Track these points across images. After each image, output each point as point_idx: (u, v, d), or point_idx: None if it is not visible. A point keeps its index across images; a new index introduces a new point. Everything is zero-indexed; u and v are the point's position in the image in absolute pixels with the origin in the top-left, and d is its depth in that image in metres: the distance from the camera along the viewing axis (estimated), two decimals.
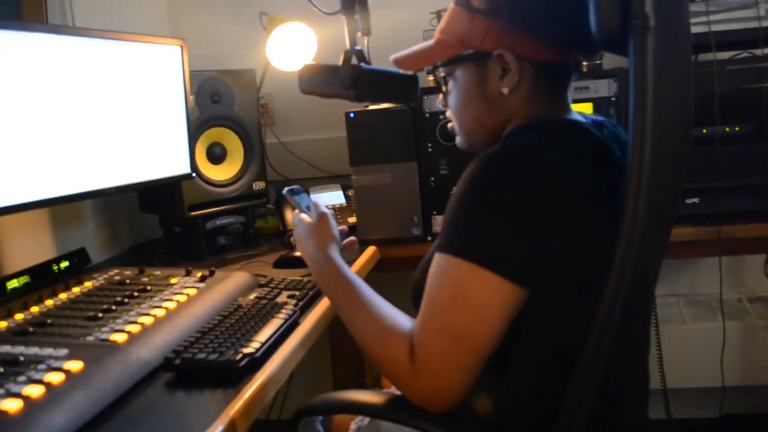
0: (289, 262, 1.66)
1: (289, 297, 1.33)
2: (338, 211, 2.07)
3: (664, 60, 0.81)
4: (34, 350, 1.02)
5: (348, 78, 1.14)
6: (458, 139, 1.14)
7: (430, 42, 1.09)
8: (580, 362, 0.87)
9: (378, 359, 0.99)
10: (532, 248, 0.89)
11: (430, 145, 1.85)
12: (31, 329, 1.11)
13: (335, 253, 1.18)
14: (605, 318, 0.85)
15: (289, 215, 1.93)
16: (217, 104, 1.91)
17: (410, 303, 1.07)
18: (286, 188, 1.30)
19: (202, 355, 1.02)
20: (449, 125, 1.15)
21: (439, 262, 0.94)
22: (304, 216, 1.26)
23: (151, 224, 2.07)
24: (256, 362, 1.04)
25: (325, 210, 1.26)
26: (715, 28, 1.74)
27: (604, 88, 1.78)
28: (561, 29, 0.93)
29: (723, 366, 2.09)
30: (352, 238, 1.29)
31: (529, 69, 1.01)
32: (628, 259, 0.82)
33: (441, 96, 1.14)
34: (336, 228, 1.24)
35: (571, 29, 0.87)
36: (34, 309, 1.23)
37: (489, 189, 0.91)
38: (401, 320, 0.99)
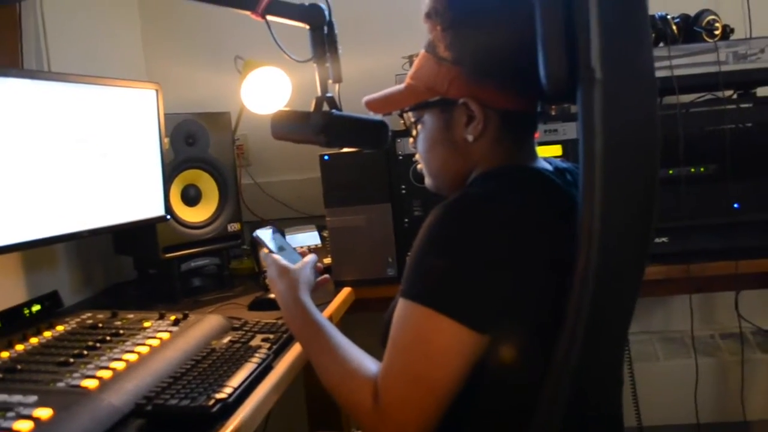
0: (263, 305, 1.66)
1: (263, 340, 1.33)
2: (313, 251, 2.07)
3: (612, 110, 0.84)
4: (3, 397, 1.01)
5: (319, 125, 1.16)
6: (426, 181, 1.16)
7: (401, 86, 1.11)
8: (538, 408, 0.88)
9: (343, 402, 1.00)
10: (489, 294, 0.91)
11: (403, 187, 1.88)
12: (0, 375, 1.10)
13: (305, 296, 1.20)
14: (560, 364, 0.86)
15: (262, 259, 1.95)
16: (192, 146, 1.92)
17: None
18: (257, 231, 1.32)
19: (174, 401, 1.02)
20: (418, 167, 1.17)
21: (401, 307, 0.96)
22: (275, 257, 1.27)
23: (126, 266, 2.06)
24: (229, 407, 1.04)
25: (311, 258, 1.29)
26: (678, 72, 1.80)
27: (572, 130, 1.82)
28: (524, 81, 0.94)
29: (697, 402, 2.11)
30: (326, 276, 1.31)
31: (494, 117, 1.03)
32: (583, 307, 0.84)
33: (411, 139, 1.16)
34: (309, 270, 1.26)
35: (535, 80, 0.89)
36: (4, 354, 1.21)
37: (448, 237, 0.93)
38: (367, 364, 1.01)
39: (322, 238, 2.11)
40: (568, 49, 0.84)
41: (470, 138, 1.04)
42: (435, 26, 1.03)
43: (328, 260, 1.96)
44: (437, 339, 0.91)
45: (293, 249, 1.35)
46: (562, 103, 1.05)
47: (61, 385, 1.07)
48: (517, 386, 0.94)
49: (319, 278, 1.29)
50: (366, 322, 1.94)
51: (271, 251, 1.28)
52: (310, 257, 1.31)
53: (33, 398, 1.00)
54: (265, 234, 1.32)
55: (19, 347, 1.25)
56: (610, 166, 0.84)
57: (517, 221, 0.93)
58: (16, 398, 1.00)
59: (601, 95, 0.82)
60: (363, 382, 0.97)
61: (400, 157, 1.87)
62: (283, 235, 1.34)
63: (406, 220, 1.89)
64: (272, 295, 1.58)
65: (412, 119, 1.13)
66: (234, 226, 2.01)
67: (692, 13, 1.93)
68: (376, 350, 1.04)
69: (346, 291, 1.84)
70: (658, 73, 1.78)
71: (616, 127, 0.86)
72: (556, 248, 0.92)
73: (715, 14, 1.91)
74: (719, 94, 1.87)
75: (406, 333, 0.94)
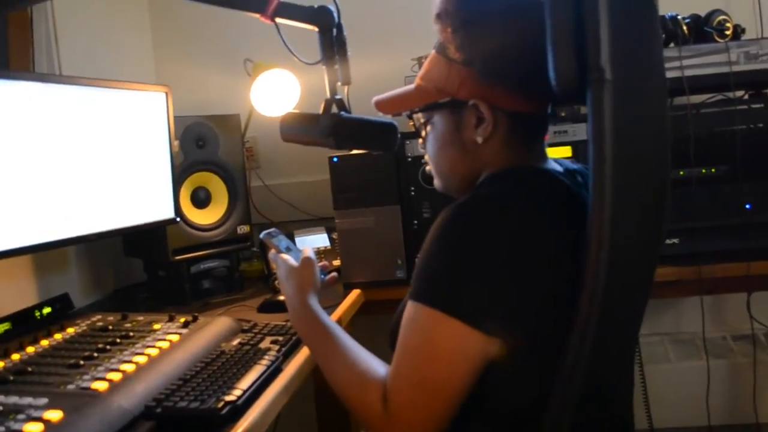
0: (272, 307, 1.67)
1: (272, 342, 1.33)
2: (323, 253, 2.07)
3: (622, 111, 0.83)
4: (13, 399, 1.01)
5: (328, 127, 1.16)
6: (435, 182, 1.16)
7: (411, 87, 1.12)
8: (548, 410, 0.88)
9: (352, 405, 1.00)
10: (498, 297, 0.90)
11: (412, 188, 1.88)
12: (11, 377, 1.10)
13: (313, 299, 1.20)
14: (571, 365, 0.86)
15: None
16: (202, 149, 1.93)
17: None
18: (263, 232, 1.32)
19: (183, 404, 1.02)
20: (427, 168, 1.17)
21: (410, 310, 0.95)
22: (284, 256, 1.27)
23: (135, 268, 2.07)
24: (238, 410, 1.04)
25: (310, 254, 1.27)
26: (689, 72, 1.79)
27: (582, 131, 1.81)
28: (534, 82, 0.94)
29: (708, 405, 2.09)
30: (333, 274, 1.31)
31: (503, 119, 1.03)
32: (593, 308, 0.84)
33: (421, 140, 1.16)
34: (317, 273, 1.25)
35: (545, 82, 0.89)
36: (15, 356, 1.22)
37: (457, 239, 0.93)
38: (376, 367, 1.00)
39: (331, 240, 2.11)
40: (578, 50, 0.84)
41: (480, 139, 1.03)
42: (445, 27, 1.03)
43: (337, 262, 1.96)
44: (446, 341, 0.91)
45: (299, 250, 1.35)
46: (572, 105, 1.04)
47: (71, 387, 1.07)
48: (526, 388, 0.94)
49: (327, 277, 1.29)
50: (375, 324, 1.94)
51: (279, 251, 1.29)
52: (309, 251, 1.29)
53: (43, 400, 1.00)
54: (271, 236, 1.32)
55: (30, 349, 1.26)
56: (620, 167, 0.84)
57: (526, 223, 0.93)
58: (27, 400, 1.00)
59: (611, 96, 0.82)
60: (372, 385, 0.96)
61: (409, 159, 1.88)
62: (286, 237, 1.34)
63: (415, 221, 1.88)
64: (282, 297, 1.58)
65: (422, 120, 1.13)
66: (243, 229, 2.02)
67: (703, 13, 1.92)
68: (385, 352, 1.04)
69: (355, 293, 1.84)
70: (669, 74, 1.78)
71: (626, 128, 0.86)
72: (565, 250, 0.92)
73: (726, 14, 1.90)
74: (730, 94, 1.87)
75: (415, 335, 0.93)
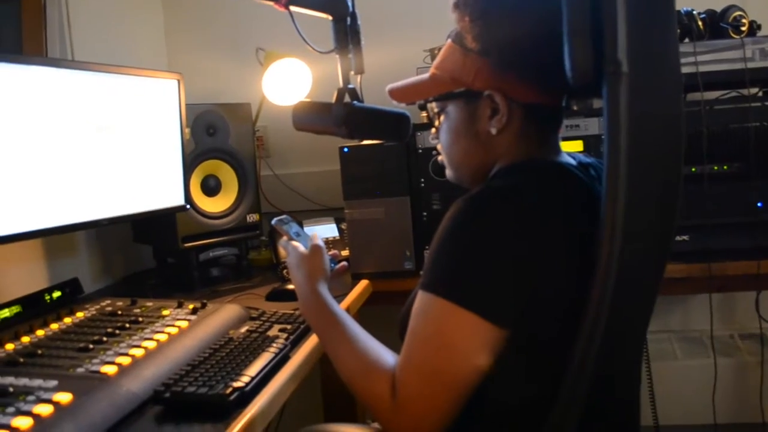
0: (281, 295, 1.67)
1: (281, 331, 1.33)
2: (331, 243, 2.08)
3: (637, 105, 0.83)
4: (23, 381, 1.02)
5: (341, 116, 1.16)
6: (447, 172, 1.15)
7: (425, 76, 1.11)
8: (557, 403, 0.88)
9: (361, 394, 1.00)
10: (509, 288, 0.90)
11: (422, 180, 1.88)
12: (21, 360, 1.11)
13: (323, 287, 1.20)
14: (581, 358, 0.86)
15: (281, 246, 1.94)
16: (213, 137, 1.93)
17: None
18: (275, 219, 1.32)
19: (191, 389, 1.02)
20: (439, 158, 1.17)
21: (421, 300, 0.95)
22: (295, 243, 1.27)
23: (145, 255, 2.08)
24: (246, 396, 1.04)
25: (320, 243, 1.27)
26: (703, 68, 1.78)
27: (594, 126, 1.80)
28: (550, 74, 0.93)
29: (715, 403, 2.09)
30: (343, 263, 1.31)
31: (518, 111, 1.02)
32: (604, 301, 0.84)
33: (433, 130, 1.16)
34: (327, 261, 1.25)
35: (560, 75, 0.88)
36: (25, 339, 1.23)
37: (469, 230, 0.93)
38: (385, 356, 1.00)
39: (340, 230, 2.11)
40: (595, 42, 0.83)
41: (494, 131, 1.03)
42: (463, 16, 1.02)
43: (346, 252, 1.96)
44: (457, 332, 0.90)
45: (309, 237, 1.35)
46: (588, 98, 1.04)
47: (80, 370, 1.08)
48: (535, 381, 0.94)
49: (337, 266, 1.29)
50: (383, 315, 1.94)
51: (291, 238, 1.29)
52: (317, 238, 1.28)
53: (53, 383, 1.01)
54: (282, 221, 1.32)
55: (40, 332, 1.27)
56: (634, 161, 0.83)
57: (538, 215, 0.92)
58: (37, 382, 1.01)
59: (627, 89, 0.81)
60: (381, 374, 0.96)
61: (420, 151, 1.87)
62: (298, 224, 1.34)
63: (425, 213, 1.88)
64: (290, 286, 1.59)
65: (436, 110, 1.12)
66: (253, 217, 2.02)
67: (718, 8, 1.90)
68: (393, 343, 1.04)
69: (363, 283, 1.84)
70: (683, 69, 1.76)
71: (641, 122, 0.85)
72: (577, 242, 0.91)
73: (742, 10, 1.88)
74: (744, 91, 1.85)
75: (426, 326, 0.93)
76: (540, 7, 0.97)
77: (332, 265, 1.27)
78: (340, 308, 1.15)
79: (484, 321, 0.89)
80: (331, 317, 1.12)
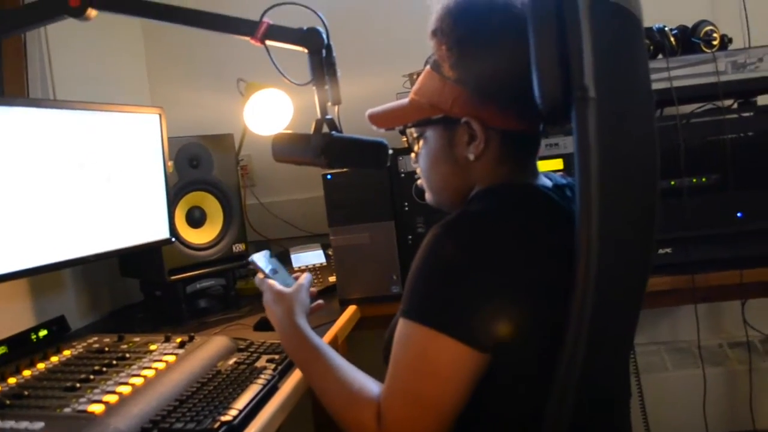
0: (268, 325, 1.65)
1: (268, 361, 1.33)
2: (318, 270, 2.08)
3: (606, 128, 0.84)
4: (10, 424, 1.02)
5: (319, 146, 1.18)
6: (427, 196, 1.16)
7: (405, 101, 1.12)
8: (544, 424, 0.89)
9: (346, 425, 1.00)
10: (487, 313, 0.91)
11: (406, 204, 1.89)
12: (7, 401, 1.11)
13: (302, 320, 1.20)
14: (563, 377, 0.87)
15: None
16: (196, 169, 1.94)
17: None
18: (252, 255, 1.32)
19: (179, 425, 1.02)
20: (419, 182, 1.18)
21: (401, 327, 0.96)
22: (271, 282, 1.28)
23: (132, 288, 2.08)
24: (235, 430, 1.04)
25: (305, 282, 1.28)
26: (677, 83, 1.81)
27: (573, 144, 1.82)
28: (525, 102, 0.94)
29: (706, 412, 2.10)
30: (320, 302, 1.32)
31: (495, 137, 1.03)
32: (583, 319, 0.85)
33: (413, 155, 1.17)
34: (306, 294, 1.26)
35: (531, 102, 0.89)
36: (12, 380, 1.23)
37: (445, 256, 0.94)
38: (369, 385, 1.01)
39: (327, 256, 2.12)
40: (562, 70, 0.85)
41: (471, 156, 1.04)
42: (440, 45, 1.03)
43: (333, 278, 1.96)
44: (438, 358, 0.91)
45: (287, 272, 1.36)
46: (561, 124, 1.06)
47: (67, 410, 1.07)
48: (520, 403, 0.95)
49: (314, 304, 1.29)
50: (371, 340, 1.94)
51: (266, 276, 1.29)
52: (305, 277, 1.30)
53: (40, 425, 1.01)
54: (260, 258, 1.32)
55: (26, 373, 1.27)
56: (606, 182, 0.85)
57: (515, 239, 0.94)
58: (23, 425, 1.01)
59: (595, 113, 0.83)
60: (365, 404, 0.97)
61: (403, 175, 1.89)
62: (278, 259, 1.35)
63: (410, 236, 1.89)
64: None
65: (415, 135, 1.14)
66: (239, 247, 2.03)
67: (690, 24, 1.94)
68: (381, 367, 1.04)
69: (351, 309, 1.84)
70: (658, 85, 1.80)
71: (611, 144, 0.87)
72: (555, 263, 0.92)
73: (713, 25, 1.92)
74: (719, 103, 1.88)
75: (407, 352, 0.94)
76: (514, 38, 0.96)
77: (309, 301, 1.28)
78: (321, 340, 1.15)
79: (465, 346, 0.90)
80: (313, 350, 1.12)
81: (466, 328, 0.91)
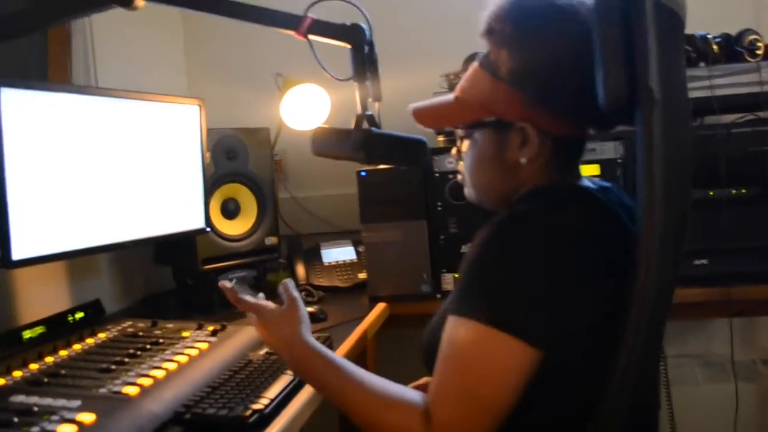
0: None
1: None
2: (349, 266, 2.09)
3: (670, 130, 0.84)
4: (47, 401, 1.04)
5: (359, 141, 1.18)
6: (467, 191, 1.15)
7: (449, 97, 1.10)
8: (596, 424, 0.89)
9: (387, 430, 0.98)
10: (544, 310, 0.91)
11: (439, 204, 1.89)
12: (45, 379, 1.13)
13: (310, 337, 1.10)
14: (620, 380, 0.87)
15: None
16: (232, 161, 1.96)
17: (417, 360, 1.08)
18: (224, 280, 1.26)
19: (211, 411, 1.04)
20: (459, 177, 1.17)
21: (454, 325, 0.95)
22: (262, 302, 1.17)
23: (165, 276, 2.10)
24: (265, 418, 1.05)
25: (296, 294, 1.17)
26: (719, 92, 1.78)
27: (610, 150, 1.81)
28: (579, 107, 0.95)
29: (737, 429, 2.06)
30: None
31: (548, 142, 1.03)
32: (642, 322, 0.85)
33: (454, 151, 1.15)
34: (305, 310, 1.16)
35: (589, 106, 0.89)
36: (49, 359, 1.25)
37: (502, 254, 0.94)
38: (406, 391, 1.00)
39: (357, 253, 2.13)
40: (628, 70, 0.84)
41: (523, 160, 1.03)
42: (499, 47, 1.02)
43: (362, 275, 1.97)
44: (496, 357, 0.91)
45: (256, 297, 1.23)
46: (612, 128, 1.06)
47: (103, 390, 1.09)
48: (568, 401, 0.95)
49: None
50: (400, 338, 1.95)
51: (245, 297, 1.18)
52: (290, 285, 1.18)
53: (77, 403, 1.03)
54: (236, 283, 1.23)
55: (63, 353, 1.29)
56: (668, 187, 0.85)
57: (569, 237, 0.94)
58: (61, 402, 1.03)
59: (660, 116, 0.82)
60: (407, 408, 0.95)
61: (437, 175, 1.89)
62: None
63: (442, 237, 1.89)
64: (310, 309, 1.59)
65: (461, 134, 1.13)
66: (271, 240, 2.04)
67: (734, 32, 1.91)
68: (409, 365, 1.04)
69: (380, 306, 1.84)
70: (699, 93, 1.78)
71: (671, 149, 0.86)
72: (605, 264, 0.93)
73: (757, 34, 1.88)
74: (761, 114, 1.85)
75: (463, 351, 0.93)
76: (576, 43, 0.96)
77: None
78: (334, 353, 1.10)
79: (521, 342, 0.90)
80: (331, 366, 1.05)
81: (522, 324, 0.90)
